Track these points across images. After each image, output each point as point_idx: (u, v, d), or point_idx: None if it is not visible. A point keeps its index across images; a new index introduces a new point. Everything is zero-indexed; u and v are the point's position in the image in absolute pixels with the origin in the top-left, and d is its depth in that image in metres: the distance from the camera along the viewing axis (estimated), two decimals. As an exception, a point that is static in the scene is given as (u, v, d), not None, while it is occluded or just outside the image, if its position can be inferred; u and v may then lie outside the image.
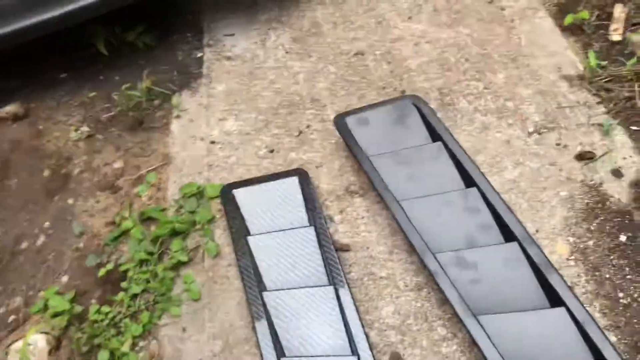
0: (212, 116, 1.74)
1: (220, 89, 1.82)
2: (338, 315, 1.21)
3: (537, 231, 1.31)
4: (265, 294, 1.26)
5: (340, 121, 1.53)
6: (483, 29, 1.79)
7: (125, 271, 1.42)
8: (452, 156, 1.40)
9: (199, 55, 1.95)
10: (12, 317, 1.40)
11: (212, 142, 1.68)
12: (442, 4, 1.89)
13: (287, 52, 1.88)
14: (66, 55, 2.01)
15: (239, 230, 1.40)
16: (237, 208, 1.45)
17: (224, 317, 1.29)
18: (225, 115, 1.74)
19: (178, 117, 1.77)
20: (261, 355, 1.17)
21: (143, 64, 1.95)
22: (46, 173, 1.71)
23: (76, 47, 1.99)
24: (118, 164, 1.69)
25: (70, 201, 1.63)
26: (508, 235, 1.24)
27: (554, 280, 1.14)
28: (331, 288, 1.24)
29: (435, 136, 1.46)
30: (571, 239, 1.29)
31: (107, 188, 1.64)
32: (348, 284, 1.24)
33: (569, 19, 1.72)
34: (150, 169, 1.65)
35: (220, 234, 1.45)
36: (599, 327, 1.06)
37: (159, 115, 1.80)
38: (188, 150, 1.67)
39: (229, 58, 1.91)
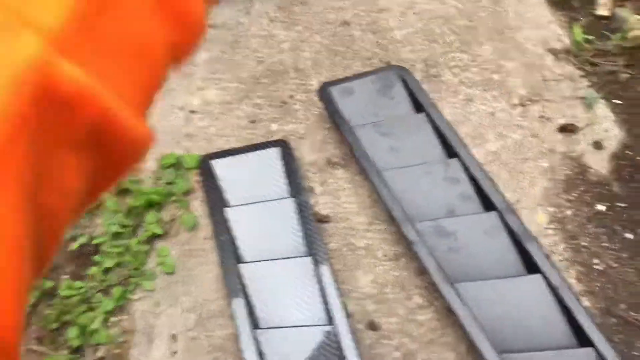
0: (192, 85, 1.70)
1: (201, 57, 1.78)
2: (315, 285, 1.19)
3: (517, 201, 1.30)
4: (241, 266, 1.24)
5: (323, 91, 1.50)
6: (470, 1, 1.76)
7: (99, 245, 1.39)
8: (435, 127, 1.38)
9: (180, 23, 1.90)
10: (-18, 289, 1.37)
11: (192, 112, 1.64)
12: (428, -25, 1.85)
13: (271, 21, 1.84)
14: None
15: (217, 201, 1.38)
16: (216, 179, 1.42)
17: (199, 290, 1.27)
18: (206, 84, 1.70)
19: (157, 86, 1.72)
20: (236, 327, 1.15)
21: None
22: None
23: None
24: (94, 134, 1.65)
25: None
26: (488, 205, 1.23)
27: (531, 248, 1.13)
28: (309, 259, 1.22)
29: (419, 107, 1.43)
30: (550, 209, 1.28)
31: (82, 158, 1.60)
32: (327, 255, 1.22)
33: (556, -8, 1.69)
34: (127, 138, 1.61)
35: (198, 206, 1.42)
36: (573, 292, 1.06)
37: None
38: (167, 119, 1.63)
39: (211, 26, 1.86)
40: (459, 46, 1.64)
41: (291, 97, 1.62)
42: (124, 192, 1.48)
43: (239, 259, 1.27)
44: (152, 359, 1.20)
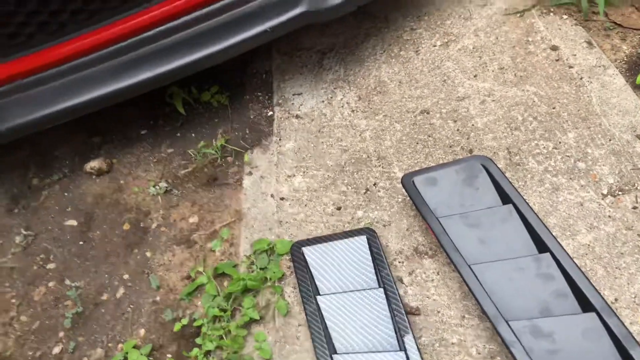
0: (281, 173, 1.81)
1: (289, 146, 1.90)
2: (409, 381, 1.21)
3: (615, 300, 1.27)
4: (335, 357, 1.28)
5: (407, 180, 1.56)
6: (550, 87, 1.79)
7: (199, 327, 1.48)
8: (523, 219, 1.39)
9: (269, 113, 2.05)
10: (94, 369, 1.48)
11: (282, 199, 1.74)
12: (507, 62, 1.91)
13: (353, 111, 1.95)
14: (146, 113, 2.15)
15: (308, 289, 1.44)
16: (307, 266, 1.49)
17: (295, 377, 1.32)
18: (294, 172, 1.81)
19: (250, 173, 1.85)
20: (332, 419, 1.18)
21: (217, 122, 2.06)
22: (126, 226, 1.82)
23: (155, 105, 2.14)
24: (193, 219, 1.78)
25: (148, 254, 1.72)
26: (585, 303, 1.21)
27: (637, 355, 1.10)
28: (402, 354, 1.24)
29: (505, 198, 1.45)
30: (654, 309, 1.24)
31: (182, 242, 1.72)
32: (419, 350, 1.24)
33: (641, 77, 1.69)
34: (223, 224, 1.73)
35: (291, 292, 1.49)
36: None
37: (231, 172, 1.89)
38: (259, 206, 1.74)
39: (297, 116, 1.99)
40: (542, 133, 1.67)
41: (375, 184, 1.69)
42: (221, 275, 1.58)
43: (332, 349, 1.31)
44: None
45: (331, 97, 2.02)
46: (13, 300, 1.67)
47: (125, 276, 1.68)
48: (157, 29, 1.71)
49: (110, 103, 1.78)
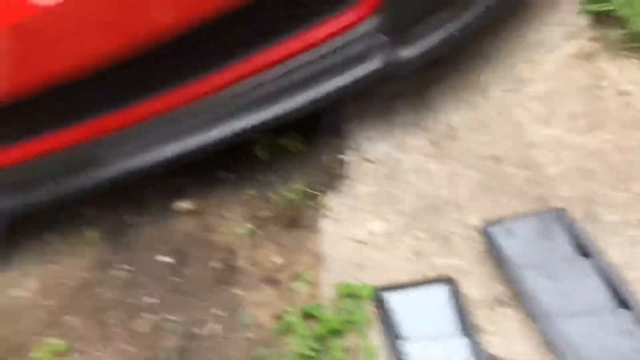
0: (357, 217, 1.92)
1: (362, 189, 2.00)
2: None
3: (699, 357, 1.31)
4: (424, 403, 1.37)
5: (485, 230, 1.64)
6: (624, 134, 1.83)
7: (293, 366, 1.60)
8: (602, 273, 1.45)
9: (343, 157, 2.16)
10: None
11: (359, 242, 1.84)
12: (578, 109, 1.96)
13: (425, 156, 2.04)
14: (229, 157, 2.31)
15: (393, 335, 1.54)
16: (391, 312, 1.59)
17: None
18: (369, 217, 1.91)
19: (327, 217, 1.97)
20: None
21: (294, 166, 2.20)
22: (216, 264, 1.97)
23: (238, 150, 2.30)
24: (278, 260, 1.91)
25: (237, 292, 1.86)
26: (669, 361, 1.26)
27: None
28: (489, 403, 1.32)
29: (583, 250, 1.51)
30: None
31: (269, 282, 1.86)
32: (505, 400, 1.32)
33: None
34: (305, 266, 1.85)
35: (375, 337, 1.59)
36: None
37: (310, 215, 2.01)
38: (337, 249, 1.85)
39: (369, 160, 2.10)
40: (618, 184, 1.71)
41: (451, 232, 1.78)
42: (308, 316, 1.69)
43: (418, 396, 1.40)
44: None
45: (402, 142, 2.12)
46: (119, 332, 1.84)
47: (218, 312, 1.83)
48: (249, 83, 1.85)
49: (207, 151, 1.94)
